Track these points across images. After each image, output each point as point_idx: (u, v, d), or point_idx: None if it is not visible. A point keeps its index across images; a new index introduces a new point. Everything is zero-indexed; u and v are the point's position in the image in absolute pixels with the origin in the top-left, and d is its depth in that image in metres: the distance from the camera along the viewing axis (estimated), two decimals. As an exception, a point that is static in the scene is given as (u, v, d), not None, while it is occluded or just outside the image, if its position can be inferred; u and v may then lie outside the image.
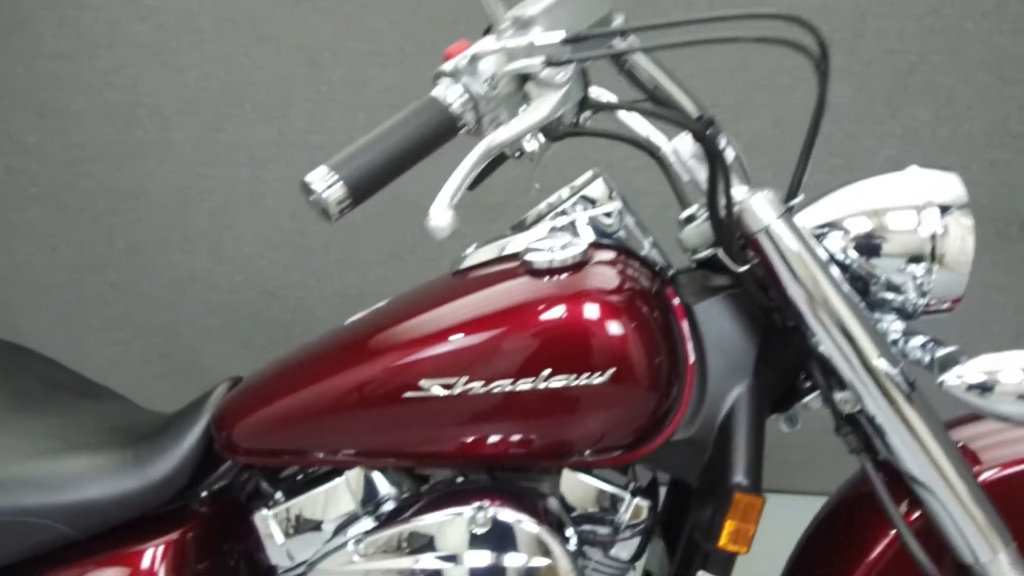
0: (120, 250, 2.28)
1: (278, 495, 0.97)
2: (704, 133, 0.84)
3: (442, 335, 0.89)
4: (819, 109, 0.89)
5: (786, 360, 0.94)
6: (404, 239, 2.19)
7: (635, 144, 1.01)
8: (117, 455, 0.95)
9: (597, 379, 0.85)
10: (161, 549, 0.95)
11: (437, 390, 0.87)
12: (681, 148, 0.92)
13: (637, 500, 0.95)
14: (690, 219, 0.98)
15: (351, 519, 0.95)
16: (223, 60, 2.15)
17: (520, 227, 1.02)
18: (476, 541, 0.89)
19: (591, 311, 0.87)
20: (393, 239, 2.19)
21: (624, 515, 0.94)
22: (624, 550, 0.97)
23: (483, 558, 0.89)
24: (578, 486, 0.94)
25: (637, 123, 1.02)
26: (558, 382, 0.86)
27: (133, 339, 2.34)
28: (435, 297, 0.96)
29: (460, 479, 0.97)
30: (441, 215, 0.77)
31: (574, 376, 0.85)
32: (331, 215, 0.77)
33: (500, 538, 0.89)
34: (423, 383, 0.87)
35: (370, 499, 0.95)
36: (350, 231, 2.19)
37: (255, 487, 1.01)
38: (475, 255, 1.00)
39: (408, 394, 0.88)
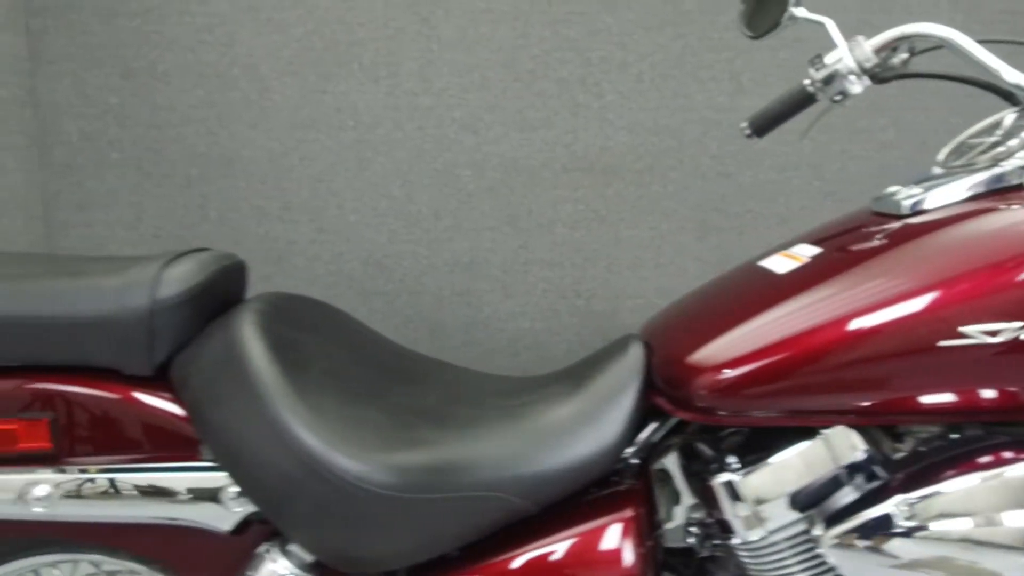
0: (211, 220, 2.16)
1: (730, 459, 0.90)
2: None
3: (982, 277, 0.80)
4: None
5: None
6: (518, 204, 2.12)
7: (987, 88, 0.96)
8: (550, 421, 0.86)
9: None
10: (619, 526, 0.86)
11: (981, 337, 0.79)
12: None
13: None
14: None
15: (833, 482, 0.87)
16: (327, 16, 2.03)
17: (958, 170, 0.93)
18: None
19: None
20: (506, 204, 2.12)
21: None
22: None
23: None
24: None
25: (995, 66, 0.94)
26: None
27: (224, 313, 2.23)
28: (915, 235, 0.86)
29: (953, 435, 0.88)
30: None
31: None
32: None
33: None
34: (965, 330, 0.80)
35: (848, 460, 0.87)
36: (462, 197, 2.12)
37: (671, 451, 0.93)
38: (932, 196, 0.90)
39: (944, 343, 0.80)
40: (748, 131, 1.18)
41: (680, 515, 0.94)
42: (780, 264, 0.93)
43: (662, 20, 2.03)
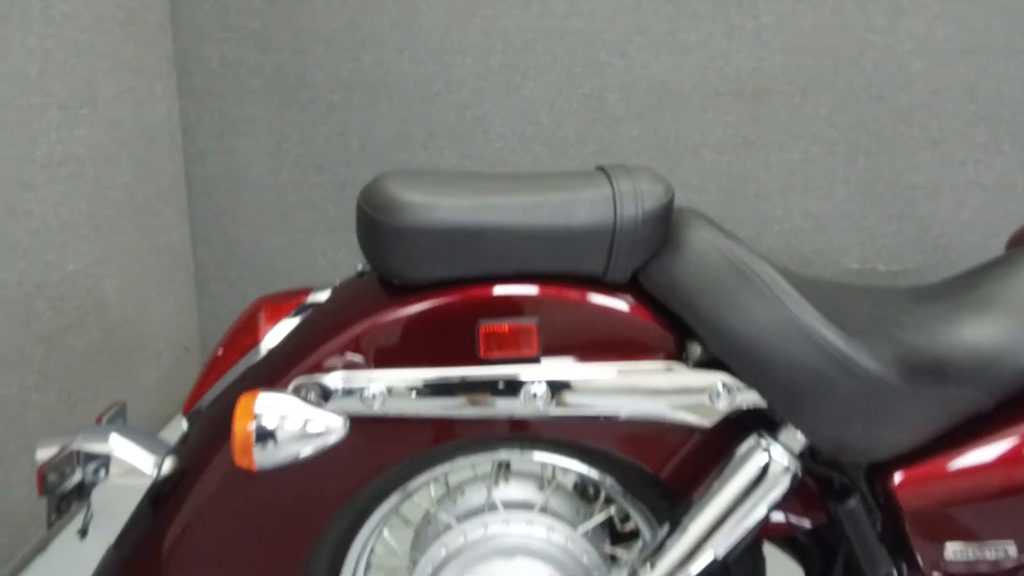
0: (353, 148, 2.13)
1: None
2: None
3: None
4: None
5: None
6: (666, 129, 2.09)
7: None
8: (1005, 322, 0.86)
9: None
10: None
11: None
12: None
13: None
14: None
15: None
16: (478, -65, 1.98)
17: None
18: None
19: None
20: (653, 129, 2.09)
21: None
22: None
23: None
24: None
25: None
26: None
27: (363, 242, 2.22)
28: None
29: None
30: None
31: None
32: None
33: None
34: None
35: None
36: (609, 122, 2.09)
37: None
38: None
39: None
40: None
41: None
42: None
43: (823, -64, 1.98)
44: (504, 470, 0.99)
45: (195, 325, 2.26)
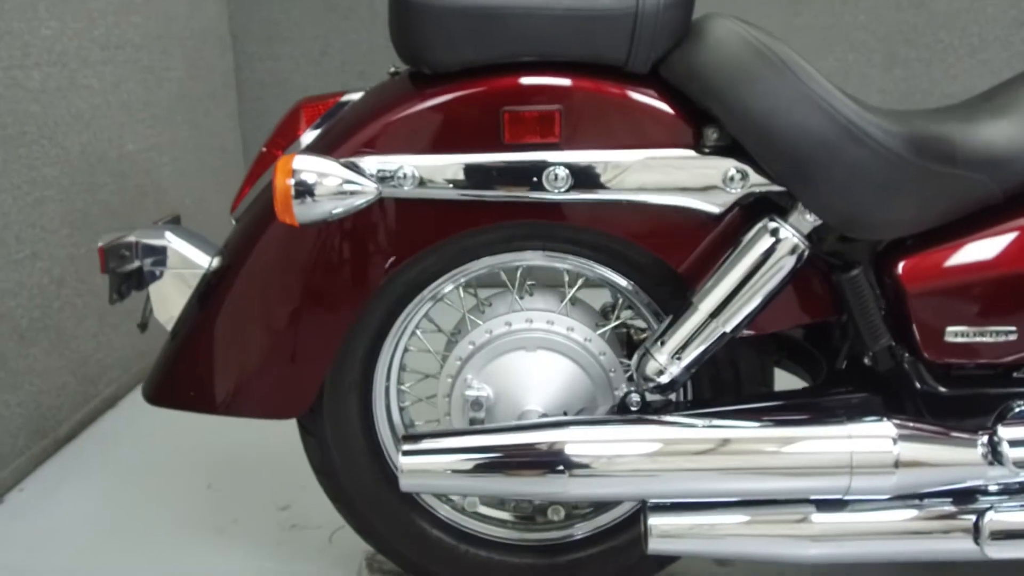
0: (396, 55, 2.19)
1: None
2: None
3: None
4: None
5: None
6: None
7: None
8: (1012, 117, 0.89)
9: None
10: None
11: None
12: None
13: None
14: None
15: None
16: None
17: None
18: None
19: None
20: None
21: None
22: None
23: None
24: None
25: None
26: None
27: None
28: None
29: None
30: None
31: None
32: None
33: None
34: None
35: None
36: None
37: None
38: None
39: None
40: None
41: None
42: None
43: None
44: (530, 287, 1.05)
45: (243, 226, 2.35)
